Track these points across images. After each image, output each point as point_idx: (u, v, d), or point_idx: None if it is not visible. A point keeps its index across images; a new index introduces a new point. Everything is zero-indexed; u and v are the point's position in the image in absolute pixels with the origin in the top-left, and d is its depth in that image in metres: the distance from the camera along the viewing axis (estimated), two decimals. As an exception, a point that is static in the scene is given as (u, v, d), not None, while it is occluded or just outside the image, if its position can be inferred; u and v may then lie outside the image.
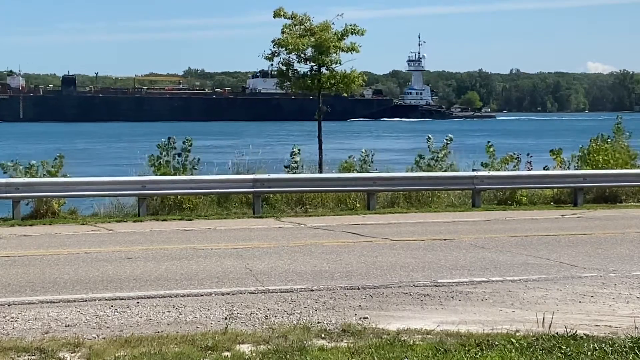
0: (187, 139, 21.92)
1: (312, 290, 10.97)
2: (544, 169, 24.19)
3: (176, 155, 21.90)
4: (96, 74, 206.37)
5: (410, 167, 23.98)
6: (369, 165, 23.21)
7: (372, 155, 23.52)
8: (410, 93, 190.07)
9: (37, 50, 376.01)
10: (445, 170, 23.25)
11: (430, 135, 23.94)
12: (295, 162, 22.96)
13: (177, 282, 11.61)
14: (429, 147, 23.72)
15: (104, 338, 8.54)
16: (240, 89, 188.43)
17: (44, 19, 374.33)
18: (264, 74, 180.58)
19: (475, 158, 24.94)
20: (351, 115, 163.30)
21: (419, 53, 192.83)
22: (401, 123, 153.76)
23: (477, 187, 22.28)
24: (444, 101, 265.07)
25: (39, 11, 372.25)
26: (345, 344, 8.16)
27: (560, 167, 24.37)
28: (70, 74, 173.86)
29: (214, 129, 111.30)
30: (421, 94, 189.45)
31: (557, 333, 8.39)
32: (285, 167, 23.20)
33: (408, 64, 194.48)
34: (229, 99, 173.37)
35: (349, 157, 23.74)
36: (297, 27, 23.64)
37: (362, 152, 23.50)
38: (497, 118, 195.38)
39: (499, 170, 23.35)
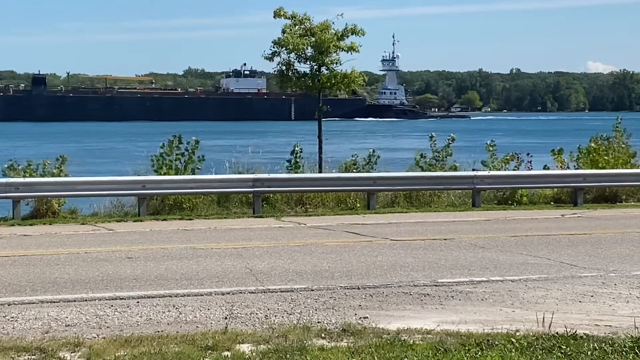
0: (195, 140, 21.90)
1: (312, 290, 10.97)
2: (544, 168, 24.20)
3: (180, 156, 21.86)
4: (68, 73, 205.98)
5: (411, 166, 24.00)
6: (372, 167, 23.20)
7: (378, 157, 23.51)
8: (384, 93, 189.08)
9: (36, 50, 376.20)
10: (447, 170, 23.26)
11: (433, 134, 23.97)
12: (297, 161, 22.94)
13: (177, 281, 11.62)
14: (431, 147, 23.74)
15: (104, 338, 8.54)
16: (214, 89, 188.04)
17: (44, 19, 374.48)
18: (237, 74, 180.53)
19: (474, 158, 24.93)
20: (323, 115, 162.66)
21: (393, 53, 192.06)
22: (376, 123, 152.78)
23: (477, 186, 22.27)
24: (444, 101, 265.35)
25: (39, 11, 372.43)
26: (345, 344, 8.16)
27: (560, 167, 24.36)
28: (40, 73, 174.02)
29: (186, 129, 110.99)
30: (395, 93, 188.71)
31: (557, 333, 8.39)
32: (288, 162, 23.12)
33: (382, 63, 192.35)
34: (201, 99, 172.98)
35: (353, 156, 23.75)
36: (297, 27, 23.63)
37: (369, 152, 23.55)
38: (472, 118, 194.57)
39: (499, 169, 23.35)
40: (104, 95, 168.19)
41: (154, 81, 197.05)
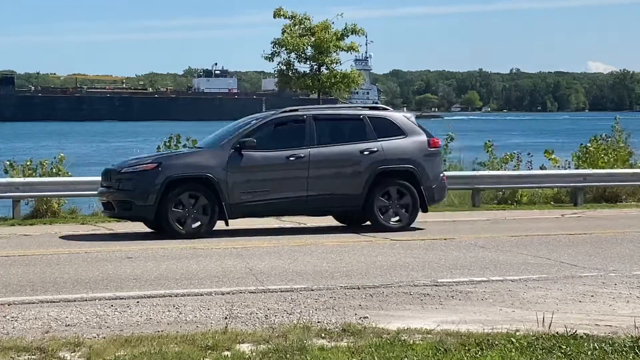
0: (192, 141, 21.93)
1: (312, 290, 10.97)
2: (540, 168, 24.21)
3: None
4: (38, 73, 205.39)
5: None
6: None
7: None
8: (357, 93, 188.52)
9: (36, 50, 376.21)
10: (446, 170, 23.24)
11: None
12: None
13: (177, 281, 11.61)
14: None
15: (104, 337, 8.53)
16: (186, 89, 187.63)
17: (44, 19, 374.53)
18: (208, 74, 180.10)
19: (473, 157, 24.94)
20: None
21: (366, 52, 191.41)
22: None
23: (477, 186, 22.27)
24: (444, 101, 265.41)
25: (39, 11, 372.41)
26: (345, 344, 8.15)
27: (557, 166, 24.38)
28: (8, 72, 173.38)
29: (156, 129, 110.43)
30: (368, 93, 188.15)
31: (557, 332, 8.38)
32: None
33: (355, 63, 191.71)
34: (171, 99, 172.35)
35: None
36: (296, 27, 23.66)
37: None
38: (445, 118, 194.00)
39: (498, 169, 23.36)
40: (73, 95, 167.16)
41: (124, 81, 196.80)
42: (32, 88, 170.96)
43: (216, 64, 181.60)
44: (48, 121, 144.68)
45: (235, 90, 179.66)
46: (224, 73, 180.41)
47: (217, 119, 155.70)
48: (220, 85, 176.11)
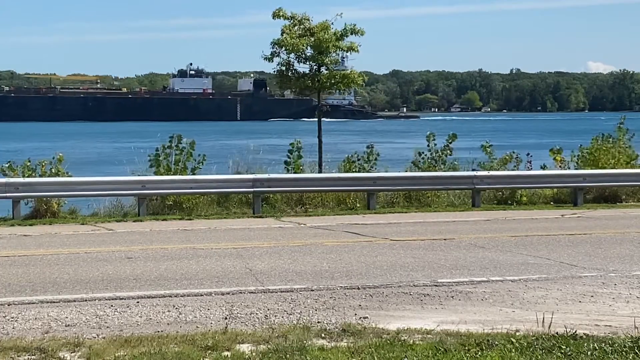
0: (192, 141, 21.92)
1: (312, 290, 10.97)
2: (541, 168, 24.18)
3: (179, 157, 21.83)
4: (12, 73, 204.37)
5: (409, 166, 24.00)
6: (372, 166, 23.18)
7: (378, 155, 23.51)
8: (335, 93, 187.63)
9: (36, 50, 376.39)
10: (446, 170, 23.26)
11: (430, 132, 23.91)
12: (298, 159, 22.77)
13: (177, 281, 11.61)
14: (428, 146, 23.71)
15: (104, 338, 8.54)
16: (162, 89, 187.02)
17: (44, 19, 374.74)
18: (182, 74, 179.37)
19: (472, 158, 24.89)
20: (270, 115, 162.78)
21: (343, 53, 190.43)
22: (325, 123, 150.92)
23: (477, 186, 22.27)
24: (444, 101, 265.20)
25: (39, 11, 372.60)
26: (345, 344, 8.15)
27: (559, 166, 24.35)
28: None
29: (125, 129, 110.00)
30: (344, 93, 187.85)
31: (557, 333, 8.38)
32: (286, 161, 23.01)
33: None
34: (145, 99, 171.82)
35: (351, 154, 23.72)
36: (296, 27, 23.61)
37: (367, 149, 23.51)
38: (421, 118, 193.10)
39: (498, 169, 23.35)
40: (46, 95, 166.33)
41: (99, 81, 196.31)
42: (6, 88, 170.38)
43: (191, 64, 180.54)
44: (20, 121, 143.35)
45: (210, 91, 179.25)
46: (199, 73, 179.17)
47: (192, 119, 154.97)
48: (195, 85, 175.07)
